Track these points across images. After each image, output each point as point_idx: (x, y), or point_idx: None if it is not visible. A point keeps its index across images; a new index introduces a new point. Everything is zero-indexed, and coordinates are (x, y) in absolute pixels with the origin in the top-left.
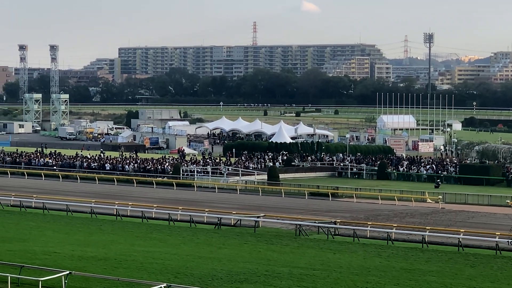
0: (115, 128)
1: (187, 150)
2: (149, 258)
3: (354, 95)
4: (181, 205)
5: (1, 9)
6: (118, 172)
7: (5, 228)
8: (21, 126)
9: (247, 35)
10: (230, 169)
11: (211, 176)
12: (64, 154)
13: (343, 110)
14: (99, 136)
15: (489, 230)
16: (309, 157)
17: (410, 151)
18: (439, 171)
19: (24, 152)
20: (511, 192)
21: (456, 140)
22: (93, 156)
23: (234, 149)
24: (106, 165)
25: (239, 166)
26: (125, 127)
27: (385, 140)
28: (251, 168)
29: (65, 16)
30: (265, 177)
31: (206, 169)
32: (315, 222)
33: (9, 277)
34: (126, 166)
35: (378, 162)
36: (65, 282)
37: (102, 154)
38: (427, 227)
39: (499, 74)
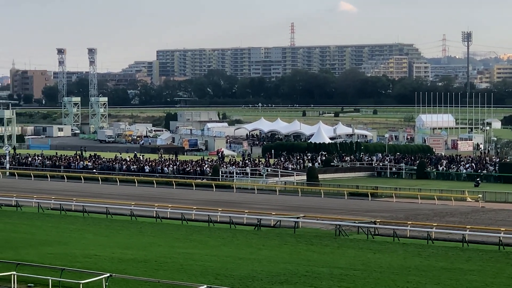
0: (154, 130)
1: (226, 152)
2: (189, 260)
3: (392, 94)
4: (221, 206)
5: (39, 13)
6: (157, 174)
7: (45, 231)
8: (60, 129)
9: (285, 36)
10: (269, 170)
11: (250, 177)
12: (103, 157)
13: (381, 110)
14: (138, 138)
15: None
16: (348, 157)
17: (449, 150)
18: (479, 170)
19: (64, 155)
20: None
21: (495, 138)
22: (132, 158)
23: (273, 150)
24: (145, 167)
25: (278, 167)
26: (164, 129)
27: (424, 140)
28: (290, 169)
29: (103, 20)
30: (304, 177)
31: (245, 170)
32: (354, 222)
33: (50, 280)
34: (165, 168)
35: (417, 162)
36: (105, 285)
37: (135, 156)
38: (467, 226)
39: None
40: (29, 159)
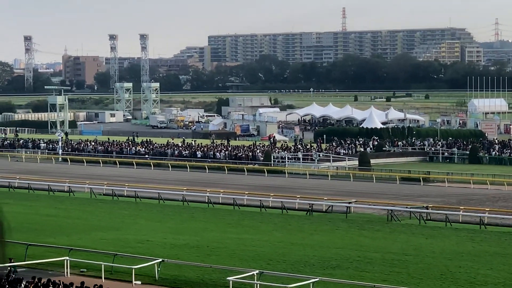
0: (206, 116)
1: (278, 137)
2: (241, 245)
3: (444, 79)
4: (273, 191)
5: (92, 0)
6: (209, 160)
7: (98, 217)
8: (112, 115)
9: (337, 21)
10: (321, 155)
11: (302, 162)
12: (155, 143)
13: (433, 94)
14: (190, 124)
15: None
16: (400, 142)
17: (502, 134)
18: None
19: (116, 141)
20: None
21: None
22: (184, 144)
23: (324, 135)
24: (197, 152)
25: (330, 152)
26: (215, 114)
27: (477, 124)
28: (342, 154)
29: (155, 5)
30: (356, 162)
31: (297, 155)
32: (407, 207)
33: (102, 265)
34: (217, 154)
35: (470, 146)
36: (158, 270)
37: (183, 141)
38: None
39: None
40: (82, 145)
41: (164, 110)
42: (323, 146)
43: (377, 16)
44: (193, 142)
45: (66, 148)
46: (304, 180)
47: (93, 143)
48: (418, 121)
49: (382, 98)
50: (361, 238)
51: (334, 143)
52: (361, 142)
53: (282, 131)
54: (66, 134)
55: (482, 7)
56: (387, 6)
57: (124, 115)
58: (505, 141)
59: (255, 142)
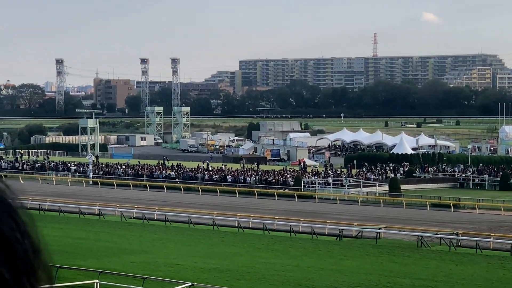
0: (236, 140)
1: (308, 162)
2: (271, 269)
3: (475, 105)
4: (303, 216)
5: (123, 24)
6: (239, 184)
7: (128, 240)
8: (143, 138)
9: (368, 46)
10: (351, 181)
11: (333, 187)
12: (186, 167)
13: (464, 120)
14: (221, 148)
15: None
16: (430, 168)
17: None
18: None
19: (146, 164)
20: None
21: None
22: (214, 168)
23: (355, 161)
24: (227, 177)
25: (360, 177)
26: (246, 139)
27: (508, 151)
28: (372, 179)
29: (186, 30)
30: (387, 188)
31: (327, 180)
32: (437, 234)
33: None
34: (248, 178)
35: (501, 173)
36: None
37: (207, 165)
38: None
39: None
40: (112, 168)
41: (195, 134)
42: (354, 171)
43: (408, 41)
44: (223, 166)
45: (96, 171)
46: (334, 205)
47: (123, 167)
48: (448, 147)
49: (413, 124)
50: (391, 264)
51: (364, 169)
52: (391, 167)
53: (312, 156)
54: (97, 157)
55: None
56: (419, 32)
57: (154, 139)
58: None
59: (286, 167)
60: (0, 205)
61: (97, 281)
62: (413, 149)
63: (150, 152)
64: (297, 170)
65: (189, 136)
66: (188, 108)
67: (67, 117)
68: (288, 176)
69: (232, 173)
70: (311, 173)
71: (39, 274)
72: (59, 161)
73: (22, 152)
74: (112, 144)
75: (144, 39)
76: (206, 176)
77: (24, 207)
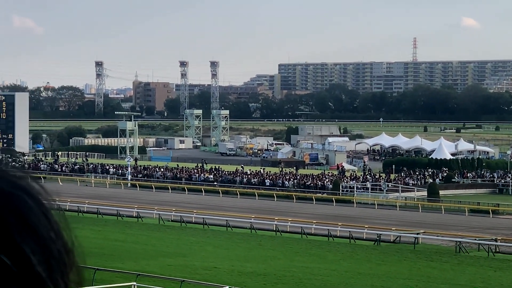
0: (275, 144)
1: (347, 166)
2: (308, 274)
3: None
4: (341, 221)
5: (162, 26)
6: (277, 188)
7: (166, 243)
8: (181, 141)
9: (407, 51)
10: (389, 185)
11: (371, 192)
12: (224, 170)
13: (504, 126)
14: (259, 152)
15: None
16: (469, 174)
17: None
18: None
19: (185, 167)
20: None
21: None
22: (253, 171)
23: (393, 165)
24: (266, 180)
25: (399, 182)
26: (284, 143)
27: None
28: (410, 184)
29: (226, 33)
30: (425, 193)
31: (365, 185)
32: (475, 239)
33: None
34: (286, 182)
35: None
36: None
37: (242, 168)
38: None
39: None
40: (151, 170)
41: (233, 138)
42: (392, 176)
43: (448, 46)
44: (261, 170)
45: (135, 174)
46: (373, 210)
47: (162, 169)
48: (488, 152)
49: (452, 129)
50: (429, 270)
51: (403, 174)
52: (430, 173)
53: (351, 160)
54: (135, 160)
55: None
56: (458, 36)
57: (193, 142)
58: None
59: (324, 171)
60: (35, 205)
61: (135, 283)
62: (452, 154)
63: (188, 155)
64: (336, 175)
65: (228, 140)
66: (227, 112)
67: (106, 120)
68: (327, 180)
69: (271, 176)
70: (349, 178)
71: (71, 274)
72: (98, 163)
73: (58, 154)
74: (150, 147)
75: (184, 42)
76: (245, 180)
77: (59, 208)
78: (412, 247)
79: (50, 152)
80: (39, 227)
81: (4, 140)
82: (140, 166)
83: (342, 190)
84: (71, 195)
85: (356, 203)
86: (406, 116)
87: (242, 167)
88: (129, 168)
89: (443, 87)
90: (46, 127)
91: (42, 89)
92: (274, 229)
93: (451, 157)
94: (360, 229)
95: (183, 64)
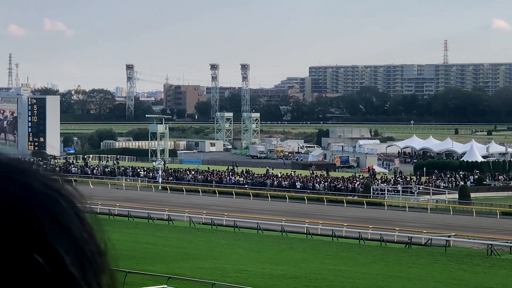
0: (306, 146)
1: (378, 169)
2: (339, 276)
3: None
4: (371, 223)
5: (193, 29)
6: (308, 191)
7: (196, 246)
8: (212, 144)
9: (438, 53)
10: (420, 188)
11: (402, 195)
12: (255, 173)
13: None
14: (290, 154)
15: None
16: (501, 176)
17: None
18: None
19: (216, 170)
20: None
21: None
22: (283, 174)
23: (424, 168)
24: (296, 183)
25: (430, 185)
26: (315, 145)
27: None
28: (442, 187)
29: (256, 36)
30: (456, 196)
31: (396, 187)
32: (507, 242)
33: None
34: (317, 185)
35: None
36: None
37: (267, 172)
38: None
39: None
40: (181, 173)
41: (264, 140)
42: (423, 179)
43: (479, 49)
44: (292, 172)
45: (165, 177)
46: (403, 213)
47: (193, 172)
48: None
49: (483, 131)
50: (460, 272)
51: (434, 176)
52: (461, 175)
53: (382, 163)
54: (164, 162)
55: None
56: (490, 39)
57: (224, 145)
58: None
59: (355, 173)
60: (68, 206)
61: (166, 286)
62: (484, 156)
63: (219, 158)
64: (366, 177)
65: (259, 142)
66: (258, 114)
67: (137, 123)
68: (357, 183)
69: (301, 179)
70: (380, 180)
71: (104, 277)
72: (129, 166)
73: (85, 157)
74: (181, 150)
75: (215, 44)
76: (275, 183)
77: (91, 210)
78: (443, 250)
79: (81, 155)
80: (72, 227)
81: (36, 143)
82: (170, 169)
83: (373, 193)
84: (102, 198)
85: (387, 205)
86: (437, 118)
87: (272, 168)
88: (160, 171)
89: (474, 90)
90: (77, 130)
91: (73, 92)
92: (305, 232)
93: (482, 160)
94: (391, 232)
95: (213, 67)
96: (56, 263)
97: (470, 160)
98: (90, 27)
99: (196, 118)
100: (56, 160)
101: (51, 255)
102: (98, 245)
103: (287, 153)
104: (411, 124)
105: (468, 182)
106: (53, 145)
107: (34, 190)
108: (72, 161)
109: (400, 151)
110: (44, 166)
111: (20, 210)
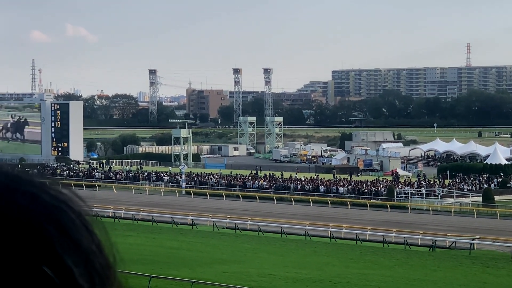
0: (329, 150)
1: (401, 172)
2: (363, 280)
3: None
4: (395, 227)
5: (216, 33)
6: (332, 194)
7: (220, 250)
8: (235, 148)
9: (461, 56)
10: (444, 191)
11: (425, 198)
12: (278, 177)
13: None
14: (313, 158)
15: None
16: None
17: None
18: None
19: (239, 174)
20: None
21: None
22: (307, 178)
23: (448, 171)
24: (320, 187)
25: (454, 187)
26: (338, 149)
27: None
28: (465, 190)
29: (278, 40)
30: (480, 199)
31: (420, 191)
32: None
33: None
34: (340, 188)
35: None
36: None
37: (282, 175)
38: None
39: None
40: (205, 178)
41: (287, 144)
42: (447, 181)
43: (502, 51)
44: (315, 176)
45: (189, 181)
46: (427, 216)
47: (216, 177)
48: None
49: (507, 134)
50: (485, 275)
51: (457, 179)
52: (485, 178)
53: (405, 166)
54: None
55: None
56: None
57: (247, 149)
58: None
59: (378, 177)
60: (76, 217)
61: None
62: (507, 159)
63: (242, 162)
64: (390, 181)
65: (282, 146)
66: (281, 118)
67: (160, 127)
68: (381, 186)
69: (325, 183)
70: (403, 184)
71: None
72: (152, 171)
73: (103, 162)
74: (205, 154)
75: (237, 49)
76: (299, 186)
77: (100, 221)
78: (467, 253)
79: (105, 160)
80: (81, 239)
81: (59, 149)
82: (194, 173)
83: (397, 196)
84: (125, 203)
85: (410, 209)
86: (460, 121)
87: (296, 172)
88: (183, 176)
89: (497, 92)
90: (100, 135)
91: (96, 97)
92: (329, 235)
93: (506, 162)
94: (415, 235)
95: (236, 71)
96: (65, 275)
97: (493, 163)
98: (112, 32)
99: (219, 122)
100: (79, 166)
101: (60, 267)
102: (106, 258)
103: (310, 157)
104: (434, 127)
105: (492, 185)
106: (76, 151)
107: (43, 202)
108: (96, 166)
109: (423, 154)
110: (48, 175)
111: (29, 222)
